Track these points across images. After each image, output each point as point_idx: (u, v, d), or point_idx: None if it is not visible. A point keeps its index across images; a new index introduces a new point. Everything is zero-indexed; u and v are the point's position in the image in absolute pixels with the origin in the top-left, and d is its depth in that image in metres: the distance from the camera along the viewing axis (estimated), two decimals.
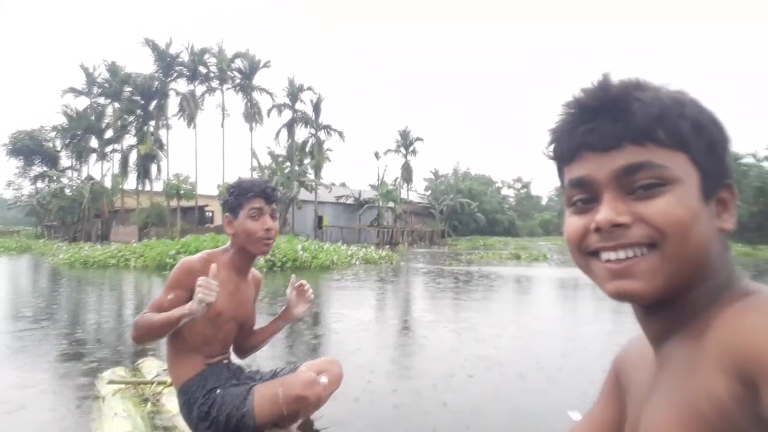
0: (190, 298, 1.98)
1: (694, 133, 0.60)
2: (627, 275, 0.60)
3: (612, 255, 0.61)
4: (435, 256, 22.42)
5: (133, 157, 42.39)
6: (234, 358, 2.42)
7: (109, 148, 44.62)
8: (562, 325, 6.07)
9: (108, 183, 43.03)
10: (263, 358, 3.91)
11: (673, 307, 0.61)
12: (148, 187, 42.62)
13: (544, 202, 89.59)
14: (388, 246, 29.81)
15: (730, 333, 0.52)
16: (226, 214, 2.17)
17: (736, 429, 0.49)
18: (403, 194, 47.40)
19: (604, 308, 6.90)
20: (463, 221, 56.04)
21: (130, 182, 43.97)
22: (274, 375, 2.44)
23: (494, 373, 3.72)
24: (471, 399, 3.12)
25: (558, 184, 0.72)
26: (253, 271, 2.35)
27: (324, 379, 2.23)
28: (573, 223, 0.66)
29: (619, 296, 0.61)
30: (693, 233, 0.58)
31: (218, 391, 2.15)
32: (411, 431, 2.66)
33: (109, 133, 43.66)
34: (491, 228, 58.56)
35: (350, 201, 42.26)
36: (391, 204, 41.66)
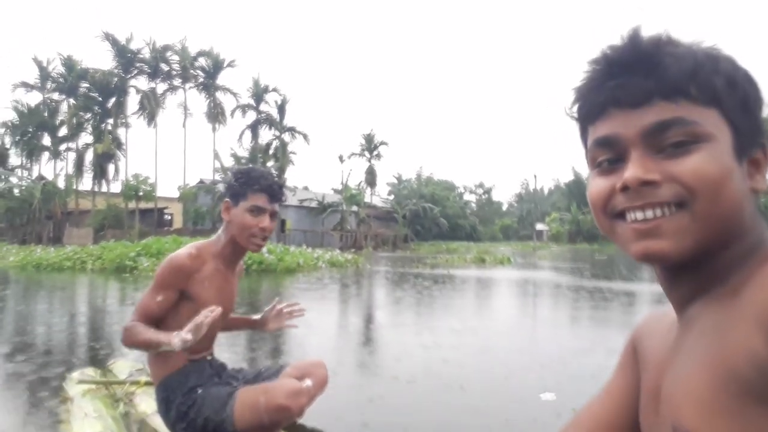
0: (179, 299, 1.93)
1: (728, 89, 0.58)
2: (654, 235, 0.57)
3: (639, 214, 0.58)
4: (400, 260, 22.49)
5: (89, 156, 40.94)
6: (217, 354, 2.35)
7: (63, 147, 42.81)
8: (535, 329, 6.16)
9: (61, 183, 41.26)
10: (240, 359, 3.82)
11: (701, 268, 0.60)
12: (104, 188, 41.24)
13: (504, 207, 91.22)
14: (353, 250, 29.73)
15: (767, 292, 0.50)
16: (227, 199, 2.08)
17: None
18: (367, 198, 47.40)
19: (564, 308, 7.04)
20: (426, 226, 56.44)
21: (86, 182, 42.47)
22: (258, 375, 2.38)
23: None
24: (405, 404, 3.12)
25: (582, 147, 0.67)
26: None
27: (309, 383, 2.19)
28: (598, 184, 0.63)
29: (646, 257, 0.58)
30: (725, 192, 0.56)
31: (199, 391, 2.07)
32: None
33: (63, 131, 41.90)
34: (453, 233, 59.21)
35: (314, 204, 41.94)
36: (354, 208, 41.56)
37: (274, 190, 2.05)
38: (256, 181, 2.04)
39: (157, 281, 1.96)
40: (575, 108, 0.66)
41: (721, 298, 0.57)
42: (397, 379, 3.47)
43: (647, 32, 0.60)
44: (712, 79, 0.57)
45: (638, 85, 0.58)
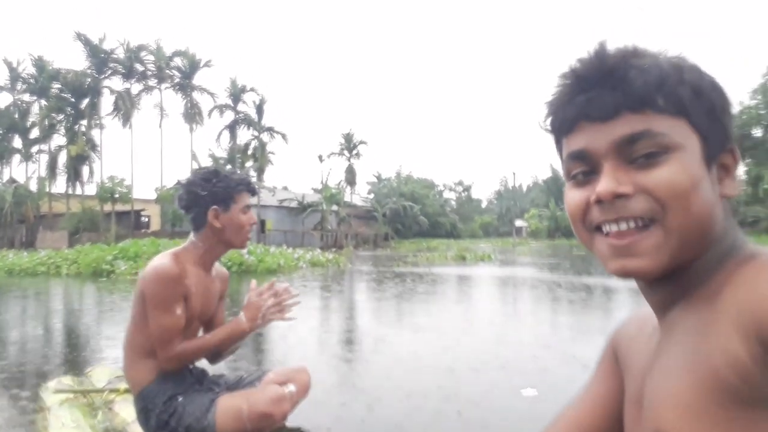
0: (183, 306, 1.96)
1: (694, 98, 0.59)
2: (630, 253, 0.58)
3: (614, 227, 0.59)
4: (381, 258, 22.49)
5: (62, 158, 40.14)
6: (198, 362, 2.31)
7: (34, 149, 41.82)
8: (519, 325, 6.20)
9: (33, 186, 40.31)
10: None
11: (678, 276, 0.60)
12: (79, 191, 40.47)
13: (484, 204, 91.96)
14: (334, 249, 29.65)
15: (747, 294, 0.51)
16: (214, 207, 2.05)
17: (754, 388, 0.48)
18: (347, 198, 47.33)
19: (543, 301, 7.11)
20: (406, 224, 56.59)
21: (59, 185, 41.61)
22: (239, 381, 2.35)
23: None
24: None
25: (562, 162, 0.68)
26: (218, 268, 2.26)
27: (291, 388, 2.18)
28: (574, 196, 0.64)
29: (624, 274, 0.60)
30: (695, 201, 0.56)
31: (180, 399, 2.04)
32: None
33: (35, 133, 40.95)
34: (434, 231, 59.46)
35: (294, 204, 41.73)
36: (334, 207, 41.48)
37: (253, 188, 2.18)
38: (238, 182, 2.11)
39: (164, 299, 1.93)
40: (548, 122, 0.67)
41: (700, 303, 0.58)
42: (380, 376, 3.47)
43: (613, 45, 0.61)
44: (677, 90, 0.58)
45: (606, 98, 0.59)
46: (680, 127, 0.58)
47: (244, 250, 14.43)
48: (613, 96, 0.59)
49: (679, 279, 0.61)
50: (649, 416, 0.60)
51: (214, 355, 2.37)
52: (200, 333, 2.21)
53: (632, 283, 0.63)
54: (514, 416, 2.80)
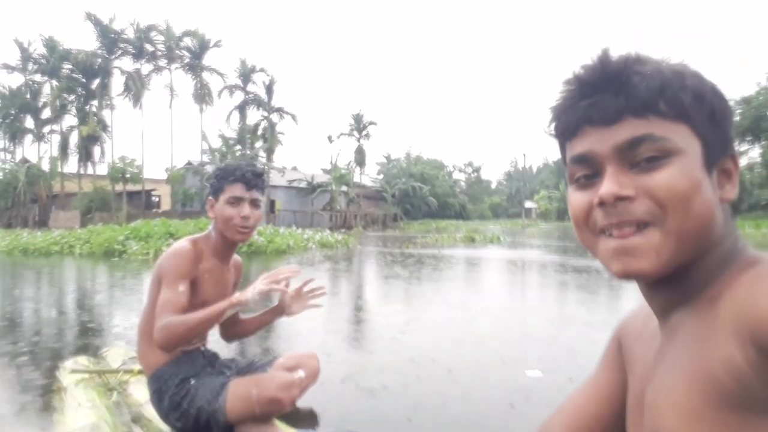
0: (192, 288, 1.94)
1: (695, 103, 0.60)
2: (631, 254, 0.60)
3: (616, 231, 0.61)
4: (390, 239, 22.53)
5: (73, 138, 40.41)
6: (210, 344, 2.36)
7: (46, 129, 42.11)
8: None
9: (45, 166, 40.67)
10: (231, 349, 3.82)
11: (678, 279, 0.62)
12: (90, 171, 40.80)
13: (493, 186, 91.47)
14: (343, 230, 29.73)
15: (744, 301, 0.51)
16: (209, 197, 2.12)
17: (751, 394, 0.49)
18: (356, 178, 47.34)
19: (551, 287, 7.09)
20: (415, 205, 56.53)
21: (71, 165, 41.92)
22: (250, 365, 2.39)
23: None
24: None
25: (559, 158, 0.71)
26: (234, 256, 2.29)
27: (301, 374, 2.20)
28: (577, 199, 0.65)
29: (625, 276, 0.61)
30: (695, 204, 0.58)
31: (192, 381, 2.08)
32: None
33: (46, 113, 41.21)
34: (443, 211, 59.36)
35: (303, 185, 41.80)
36: (344, 188, 41.50)
37: (248, 178, 2.08)
38: (230, 172, 2.08)
39: (174, 272, 1.94)
40: (552, 126, 0.68)
41: (700, 308, 0.59)
42: (389, 357, 3.51)
43: (616, 52, 0.63)
44: (679, 95, 0.60)
45: (609, 103, 0.61)
46: (682, 131, 0.60)
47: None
48: (616, 101, 0.60)
49: (680, 282, 0.62)
50: (649, 418, 0.61)
51: (232, 335, 2.42)
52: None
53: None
54: (519, 396, 2.84)
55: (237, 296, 1.75)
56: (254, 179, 2.10)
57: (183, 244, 2.05)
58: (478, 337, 4.27)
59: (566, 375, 3.15)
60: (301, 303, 2.30)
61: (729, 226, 0.62)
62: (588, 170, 0.64)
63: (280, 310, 2.31)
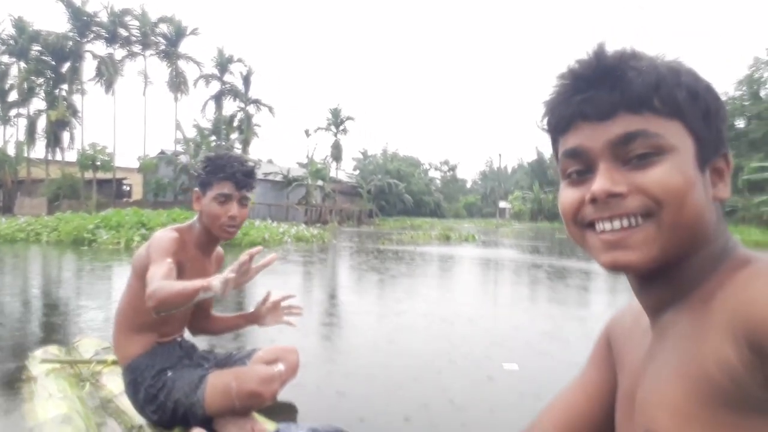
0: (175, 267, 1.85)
1: (689, 101, 0.60)
2: (622, 246, 0.60)
3: (607, 225, 0.60)
4: (365, 235, 22.53)
5: (41, 123, 39.10)
6: (186, 335, 2.32)
7: (13, 112, 40.62)
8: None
9: (11, 150, 39.36)
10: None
11: (670, 276, 0.62)
12: (59, 157, 39.63)
13: (468, 185, 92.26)
14: (318, 224, 29.59)
15: (738, 301, 0.51)
16: (196, 188, 2.06)
17: (745, 393, 0.49)
18: (332, 173, 47.14)
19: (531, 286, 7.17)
20: (391, 201, 56.67)
21: (38, 150, 40.70)
22: (229, 358, 2.37)
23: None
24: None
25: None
26: (217, 249, 2.25)
27: (281, 367, 2.18)
28: (568, 195, 0.65)
29: (614, 267, 0.61)
30: (689, 201, 0.58)
31: (169, 373, 2.05)
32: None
33: (13, 96, 39.76)
34: (418, 209, 59.67)
35: (278, 178, 41.44)
36: (320, 182, 41.30)
37: (237, 178, 2.00)
38: (221, 168, 2.00)
39: (163, 249, 1.86)
40: (545, 121, 0.68)
41: (692, 307, 0.59)
42: (367, 353, 3.51)
43: (612, 47, 0.62)
44: (674, 92, 0.59)
45: (603, 98, 0.60)
46: (675, 129, 0.59)
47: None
48: (610, 96, 0.60)
49: (670, 279, 0.62)
50: (640, 417, 0.61)
51: (199, 329, 2.38)
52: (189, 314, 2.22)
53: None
54: (496, 388, 2.92)
55: (208, 280, 1.58)
56: (245, 179, 2.03)
57: (168, 231, 2.00)
58: (458, 329, 4.30)
59: (539, 367, 3.27)
60: (275, 316, 2.31)
61: (720, 225, 0.62)
62: (580, 165, 0.63)
63: (254, 318, 2.31)
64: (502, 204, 62.24)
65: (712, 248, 0.61)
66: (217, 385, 2.00)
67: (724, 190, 0.63)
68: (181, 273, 1.98)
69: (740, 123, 34.30)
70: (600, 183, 0.60)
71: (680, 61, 0.63)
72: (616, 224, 0.60)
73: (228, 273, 1.53)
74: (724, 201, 0.63)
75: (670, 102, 0.59)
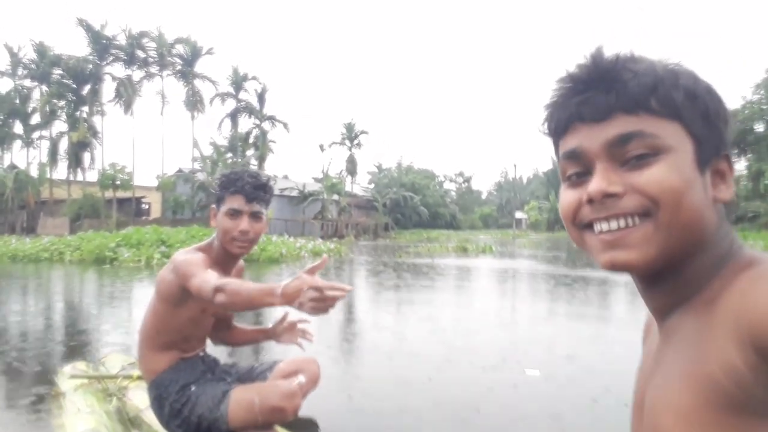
0: (186, 296, 1.90)
1: (687, 102, 0.60)
2: (620, 246, 0.60)
3: (605, 225, 0.61)
4: (382, 248, 22.54)
5: (63, 144, 39.93)
6: (209, 349, 2.37)
7: (35, 135, 41.59)
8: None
9: (34, 172, 40.14)
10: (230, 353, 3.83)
11: (673, 278, 0.62)
12: (80, 177, 40.39)
13: (484, 196, 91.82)
14: (334, 239, 29.68)
15: (743, 304, 0.51)
16: (213, 205, 2.08)
17: (750, 396, 0.49)
18: (348, 187, 47.28)
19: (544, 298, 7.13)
20: (406, 214, 56.56)
21: (60, 171, 41.54)
22: (251, 371, 2.39)
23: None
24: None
25: (556, 164, 0.71)
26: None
27: (301, 379, 2.20)
28: (567, 196, 0.66)
29: (613, 267, 0.61)
30: (686, 201, 0.58)
31: (193, 388, 2.08)
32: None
33: (36, 118, 40.75)
34: (433, 221, 59.42)
35: (294, 194, 41.69)
36: (335, 197, 41.45)
37: (247, 191, 1.99)
38: (232, 183, 2.00)
39: (194, 265, 1.84)
40: (545, 125, 0.69)
41: (697, 309, 0.58)
42: (388, 364, 3.53)
43: (610, 50, 0.63)
44: (671, 93, 0.59)
45: (600, 100, 0.61)
46: (673, 130, 0.59)
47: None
48: (607, 97, 0.60)
49: (674, 282, 0.62)
50: (648, 421, 0.61)
51: (220, 338, 2.43)
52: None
53: (628, 276, 0.67)
54: (520, 394, 3.00)
55: (281, 301, 1.49)
56: (254, 192, 2.01)
57: (192, 251, 2.02)
58: (483, 338, 4.32)
59: (562, 374, 3.32)
60: (291, 336, 2.38)
61: (724, 227, 0.62)
62: (579, 167, 0.64)
63: (271, 334, 2.39)
64: (518, 214, 61.80)
65: (715, 250, 0.60)
66: (240, 400, 2.02)
67: (726, 191, 0.62)
68: None
69: (760, 127, 33.77)
70: (596, 183, 0.60)
71: (680, 63, 0.63)
72: (614, 224, 0.60)
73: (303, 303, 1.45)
74: (725, 202, 0.62)
75: (668, 103, 0.59)
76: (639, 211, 0.59)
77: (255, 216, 2.04)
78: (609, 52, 0.63)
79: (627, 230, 0.59)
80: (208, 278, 1.71)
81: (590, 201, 0.61)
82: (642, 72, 0.60)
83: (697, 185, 0.59)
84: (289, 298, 1.48)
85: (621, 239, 0.60)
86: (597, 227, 0.62)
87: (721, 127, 0.62)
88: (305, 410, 2.47)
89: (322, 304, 1.46)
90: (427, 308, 6.41)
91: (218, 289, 1.61)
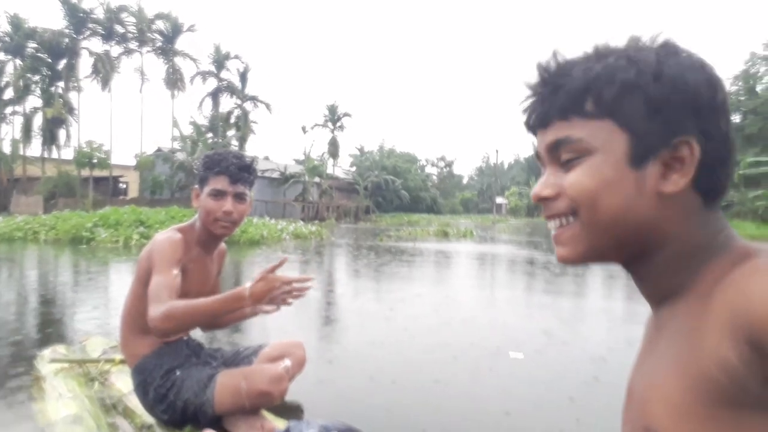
0: (179, 273, 1.89)
1: (621, 97, 0.59)
2: (558, 242, 0.66)
3: (550, 224, 0.67)
4: (363, 231, 22.54)
5: (37, 120, 38.85)
6: (193, 333, 2.34)
7: (8, 110, 40.46)
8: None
9: (6, 148, 39.10)
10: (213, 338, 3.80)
11: (644, 269, 0.64)
12: (55, 155, 39.46)
13: (465, 181, 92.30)
14: (315, 221, 29.58)
15: (738, 297, 0.50)
16: (195, 186, 2.07)
17: (744, 391, 0.49)
18: (329, 170, 47.07)
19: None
20: (387, 198, 56.62)
21: (34, 148, 40.53)
22: (236, 355, 2.39)
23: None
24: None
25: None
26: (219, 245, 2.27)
27: (287, 363, 2.20)
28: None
29: (559, 261, 0.68)
30: (603, 202, 0.60)
31: (178, 373, 2.06)
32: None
33: (9, 93, 39.56)
34: (414, 205, 59.64)
35: (275, 175, 41.37)
36: (317, 179, 41.28)
37: (232, 172, 1.99)
38: (216, 163, 2.00)
39: (166, 257, 1.88)
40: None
41: (689, 302, 0.58)
42: (374, 349, 3.54)
43: (563, 54, 0.65)
44: (602, 92, 0.60)
45: (539, 108, 0.66)
46: (603, 128, 0.60)
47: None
48: (543, 105, 0.65)
49: (646, 273, 0.64)
50: (638, 413, 0.61)
51: (209, 325, 2.40)
52: None
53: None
54: (503, 377, 3.07)
55: (251, 301, 1.66)
56: (239, 173, 2.01)
57: (172, 233, 2.00)
58: (463, 321, 4.36)
59: (547, 356, 3.45)
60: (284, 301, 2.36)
61: (699, 218, 0.61)
62: (544, 168, 0.69)
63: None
64: (499, 200, 62.33)
65: (685, 242, 0.60)
66: (226, 384, 2.02)
67: (677, 182, 0.59)
68: (184, 274, 1.99)
69: (736, 118, 34.33)
70: (534, 188, 0.67)
71: (632, 53, 0.61)
72: (552, 223, 0.67)
73: (262, 306, 1.68)
74: (674, 195, 0.59)
75: (600, 102, 0.60)
76: (569, 211, 0.64)
77: (239, 197, 2.04)
78: (563, 56, 0.65)
79: (562, 229, 0.65)
80: (158, 292, 1.76)
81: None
82: (576, 76, 0.62)
83: (624, 183, 0.59)
84: (258, 297, 1.68)
85: (558, 237, 0.66)
86: (548, 225, 0.68)
87: (675, 114, 0.59)
88: (291, 394, 2.47)
89: (292, 296, 1.68)
90: (410, 291, 6.43)
91: (167, 316, 1.68)
